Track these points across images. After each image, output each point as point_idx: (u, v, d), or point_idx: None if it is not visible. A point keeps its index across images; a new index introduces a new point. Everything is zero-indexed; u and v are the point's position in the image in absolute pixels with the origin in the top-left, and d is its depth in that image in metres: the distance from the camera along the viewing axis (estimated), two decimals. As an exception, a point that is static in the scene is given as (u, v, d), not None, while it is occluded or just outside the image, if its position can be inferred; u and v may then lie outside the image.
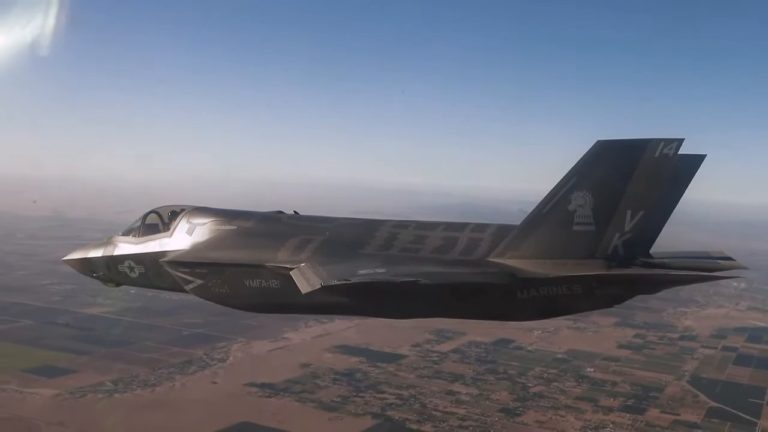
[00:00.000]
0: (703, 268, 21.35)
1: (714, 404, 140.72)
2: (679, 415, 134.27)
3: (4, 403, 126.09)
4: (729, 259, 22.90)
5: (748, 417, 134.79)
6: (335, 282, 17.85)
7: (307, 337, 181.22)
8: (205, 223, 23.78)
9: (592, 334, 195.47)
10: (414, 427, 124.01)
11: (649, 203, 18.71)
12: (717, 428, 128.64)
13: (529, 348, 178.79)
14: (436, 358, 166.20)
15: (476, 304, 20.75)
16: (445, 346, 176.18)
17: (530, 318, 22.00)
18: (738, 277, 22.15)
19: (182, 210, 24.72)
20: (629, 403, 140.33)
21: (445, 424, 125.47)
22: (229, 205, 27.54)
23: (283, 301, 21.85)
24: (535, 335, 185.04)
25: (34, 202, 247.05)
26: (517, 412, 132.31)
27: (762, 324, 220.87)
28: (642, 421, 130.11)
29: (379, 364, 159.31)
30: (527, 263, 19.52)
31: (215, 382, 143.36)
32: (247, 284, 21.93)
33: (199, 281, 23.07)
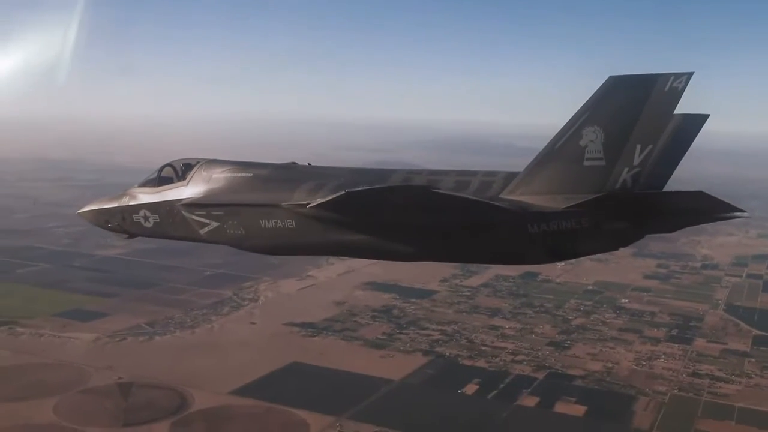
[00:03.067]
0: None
1: (757, 332, 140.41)
2: (726, 344, 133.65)
3: (46, 348, 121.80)
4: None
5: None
6: (359, 189, 17.89)
7: (333, 274, 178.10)
8: (221, 172, 23.86)
9: (614, 266, 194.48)
10: (467, 363, 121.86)
11: (658, 137, 18.90)
12: (766, 356, 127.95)
13: (558, 281, 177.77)
14: (468, 293, 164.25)
15: (488, 240, 20.39)
16: (474, 281, 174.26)
17: (540, 259, 21.18)
18: (745, 215, 20.98)
19: (197, 162, 24.71)
20: (673, 333, 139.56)
21: (498, 359, 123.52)
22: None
23: (298, 241, 21.76)
24: (559, 267, 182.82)
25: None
26: (566, 345, 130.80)
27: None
28: (692, 351, 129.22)
29: (412, 300, 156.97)
30: (538, 198, 19.69)
31: (254, 323, 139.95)
32: (263, 225, 21.93)
33: (214, 224, 23.10)
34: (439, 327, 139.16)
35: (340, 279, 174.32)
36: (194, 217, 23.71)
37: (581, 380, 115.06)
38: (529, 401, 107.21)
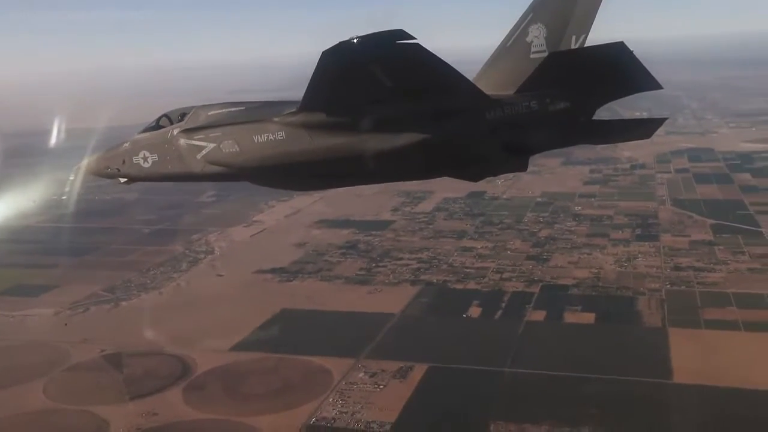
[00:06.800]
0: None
1: (713, 221, 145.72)
2: (690, 236, 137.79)
3: (3, 329, 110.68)
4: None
5: (749, 227, 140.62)
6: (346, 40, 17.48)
7: (279, 216, 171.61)
8: (217, 108, 25.13)
9: (550, 176, 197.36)
10: (458, 287, 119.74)
11: (588, 27, 21.35)
12: (731, 242, 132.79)
13: (505, 197, 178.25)
14: (425, 219, 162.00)
15: (452, 125, 21.50)
16: (425, 206, 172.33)
17: (497, 158, 22.54)
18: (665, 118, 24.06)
19: (193, 107, 25.90)
20: (638, 232, 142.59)
21: (486, 279, 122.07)
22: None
23: (288, 151, 22.94)
24: (500, 184, 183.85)
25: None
26: (544, 257, 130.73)
27: (690, 145, 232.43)
28: (663, 247, 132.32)
29: (373, 232, 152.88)
30: (492, 91, 21.56)
31: (221, 275, 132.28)
32: (255, 140, 23.43)
33: (211, 145, 24.41)
34: (413, 255, 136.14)
35: (290, 220, 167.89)
36: (192, 142, 24.76)
37: (576, 289, 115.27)
38: (537, 316, 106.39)
